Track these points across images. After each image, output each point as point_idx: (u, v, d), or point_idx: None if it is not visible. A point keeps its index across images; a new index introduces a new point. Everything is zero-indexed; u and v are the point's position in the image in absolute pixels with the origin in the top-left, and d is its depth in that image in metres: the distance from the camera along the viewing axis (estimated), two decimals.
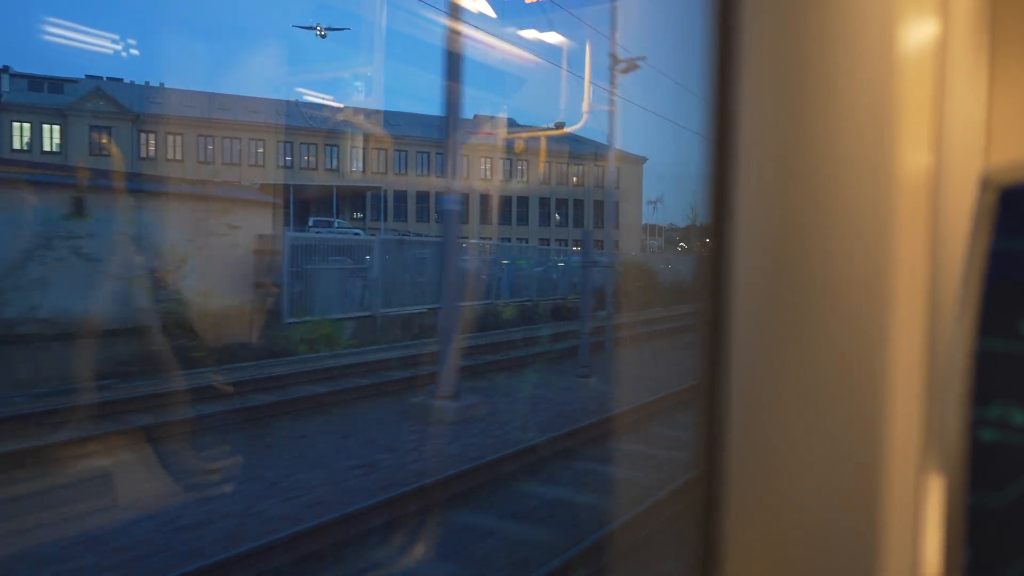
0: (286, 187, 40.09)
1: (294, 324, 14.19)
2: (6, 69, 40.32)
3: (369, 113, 47.59)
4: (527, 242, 51.93)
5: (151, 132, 42.98)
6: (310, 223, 36.91)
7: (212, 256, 13.79)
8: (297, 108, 47.54)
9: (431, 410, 8.76)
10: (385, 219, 45.72)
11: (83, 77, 42.33)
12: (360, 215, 46.06)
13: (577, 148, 54.57)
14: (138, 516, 5.56)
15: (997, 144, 0.89)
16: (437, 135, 51.06)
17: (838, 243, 0.63)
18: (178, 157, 43.91)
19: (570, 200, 54.55)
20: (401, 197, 50.12)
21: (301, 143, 46.62)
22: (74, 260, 11.56)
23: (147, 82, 45.21)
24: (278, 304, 14.59)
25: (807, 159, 0.64)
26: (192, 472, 6.58)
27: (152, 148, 43.34)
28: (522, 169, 53.99)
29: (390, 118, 50.07)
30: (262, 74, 58.18)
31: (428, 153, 51.01)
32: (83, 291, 11.34)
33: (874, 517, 0.61)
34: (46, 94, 40.93)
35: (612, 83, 16.26)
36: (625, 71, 16.21)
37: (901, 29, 0.63)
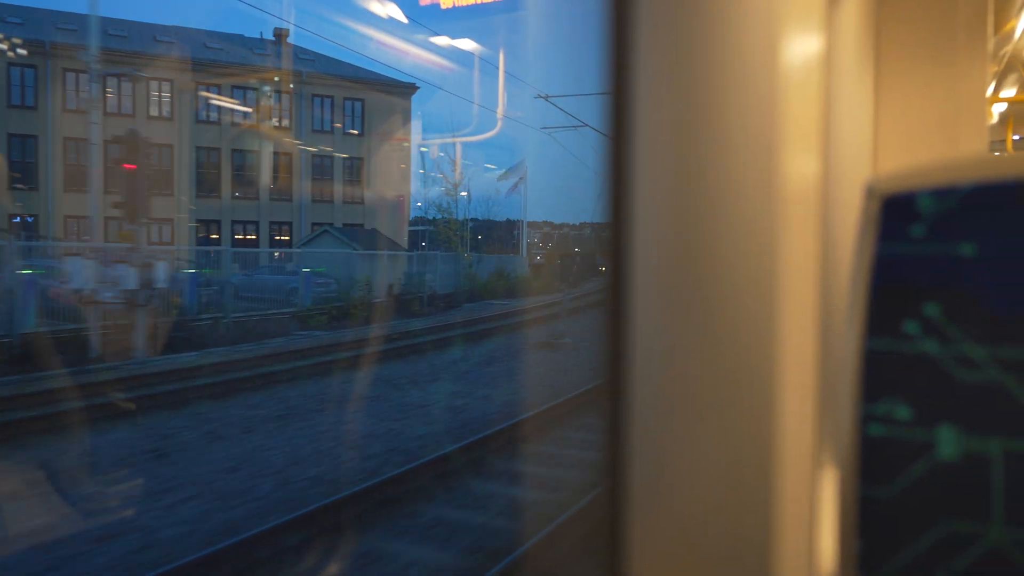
0: None
1: None
2: None
3: None
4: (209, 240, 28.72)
5: None
6: None
7: None
8: None
9: None
10: None
11: None
12: None
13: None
14: None
15: (883, 153, 0.94)
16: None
17: (730, 247, 0.66)
18: None
19: (262, 151, 31.69)
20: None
21: None
22: None
23: None
24: None
25: (700, 166, 0.67)
26: None
27: None
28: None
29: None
30: None
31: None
32: None
33: (771, 511, 0.65)
34: None
35: None
36: None
37: (786, 42, 0.66)
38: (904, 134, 0.95)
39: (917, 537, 0.50)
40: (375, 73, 31.49)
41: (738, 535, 0.66)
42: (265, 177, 31.53)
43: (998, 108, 4.41)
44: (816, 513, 0.70)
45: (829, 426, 0.68)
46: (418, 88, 33.28)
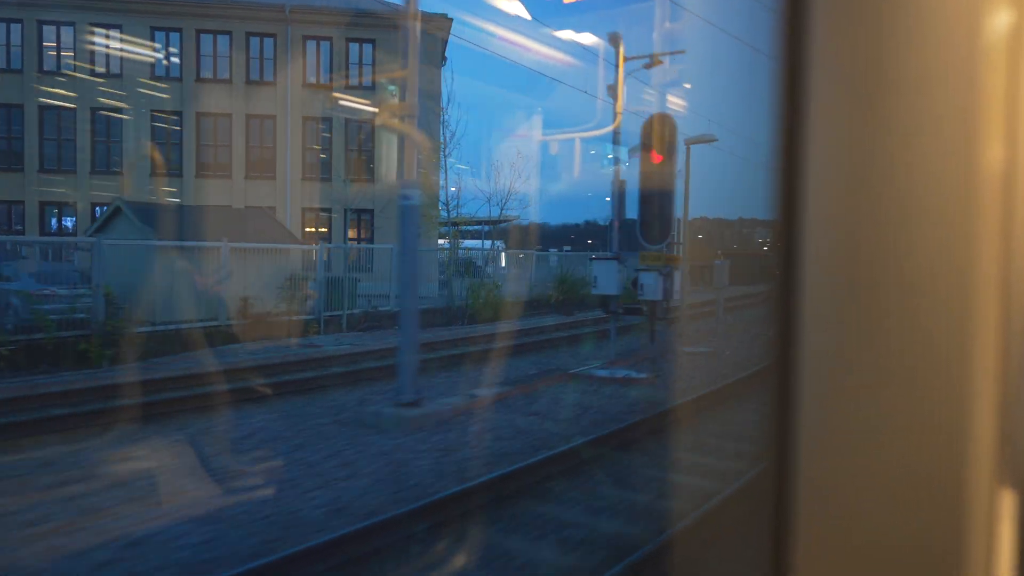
0: None
1: None
2: None
3: None
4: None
5: None
6: None
7: None
8: None
9: None
10: None
11: None
12: None
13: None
14: None
15: None
16: None
17: (917, 240, 0.63)
18: None
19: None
20: None
21: None
22: None
23: None
24: None
25: (884, 150, 0.63)
26: None
27: None
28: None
29: None
30: None
31: None
32: None
33: (949, 528, 0.61)
34: None
35: None
36: None
37: (985, 20, 0.62)
38: None
39: None
40: (388, 3, 23.30)
41: (911, 550, 0.62)
42: (240, 148, 23.99)
43: None
44: (997, 537, 0.62)
45: (1012, 442, 0.61)
46: (451, 21, 24.65)
